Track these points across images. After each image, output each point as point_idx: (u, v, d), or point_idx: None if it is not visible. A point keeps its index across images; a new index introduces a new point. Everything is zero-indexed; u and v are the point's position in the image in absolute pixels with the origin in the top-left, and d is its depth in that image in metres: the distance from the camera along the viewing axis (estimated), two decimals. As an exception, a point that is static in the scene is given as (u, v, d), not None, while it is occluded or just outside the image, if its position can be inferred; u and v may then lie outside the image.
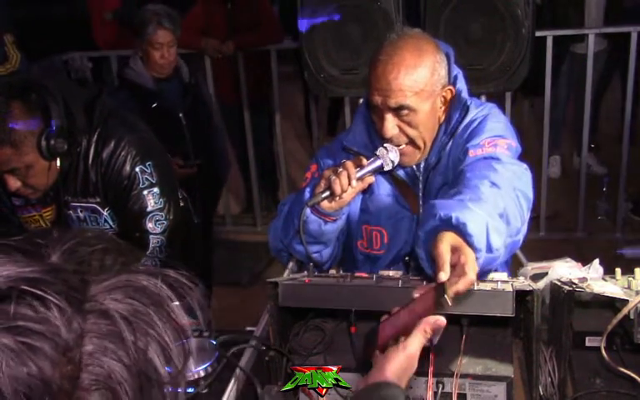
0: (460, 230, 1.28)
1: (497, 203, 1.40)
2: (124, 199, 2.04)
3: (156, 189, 2.06)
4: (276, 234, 1.83)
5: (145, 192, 2.05)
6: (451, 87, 1.71)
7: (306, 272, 1.60)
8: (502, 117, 1.76)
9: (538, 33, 3.20)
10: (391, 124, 1.66)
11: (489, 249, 1.32)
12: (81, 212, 2.05)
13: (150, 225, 2.05)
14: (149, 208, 2.05)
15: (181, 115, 3.21)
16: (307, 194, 1.68)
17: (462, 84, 1.75)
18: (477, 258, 1.27)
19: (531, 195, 1.55)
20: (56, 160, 1.94)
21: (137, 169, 2.03)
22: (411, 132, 1.68)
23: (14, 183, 1.92)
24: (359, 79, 2.81)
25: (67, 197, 2.05)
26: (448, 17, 2.71)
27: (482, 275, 1.38)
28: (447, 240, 1.26)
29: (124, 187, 2.03)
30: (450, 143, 1.73)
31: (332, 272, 1.62)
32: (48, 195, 2.05)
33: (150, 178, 2.05)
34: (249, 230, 4.96)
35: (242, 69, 4.47)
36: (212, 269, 3.44)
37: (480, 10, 2.67)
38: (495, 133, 1.66)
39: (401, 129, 1.67)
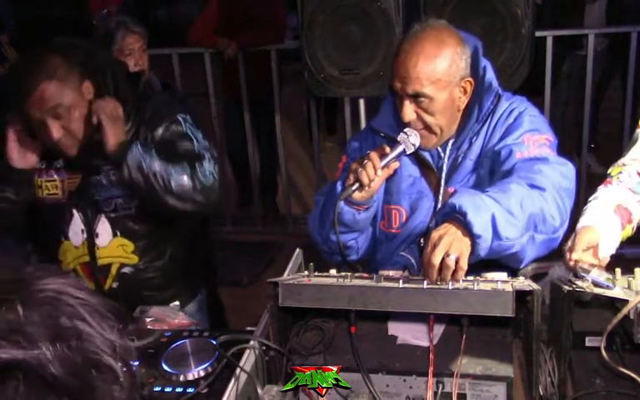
0: (462, 217, 1.43)
1: (531, 202, 1.51)
2: (171, 147, 1.99)
3: (199, 133, 2.04)
4: (314, 227, 1.92)
5: (190, 132, 2.02)
6: (470, 79, 1.77)
7: (306, 272, 1.61)
8: (535, 111, 1.83)
9: (538, 33, 3.20)
10: (409, 109, 1.74)
11: (497, 237, 1.45)
12: (113, 174, 2.01)
13: (201, 153, 2.00)
14: (196, 147, 2.01)
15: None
16: (338, 188, 1.78)
17: (491, 74, 1.80)
18: (477, 244, 1.43)
19: (574, 190, 1.66)
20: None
21: (179, 117, 2.02)
22: (427, 118, 1.75)
23: (57, 131, 1.90)
24: (359, 79, 2.81)
25: (99, 162, 2.02)
26: (448, 17, 2.70)
27: (506, 261, 1.56)
28: (438, 232, 1.45)
29: (169, 135, 2.01)
30: (484, 130, 1.80)
31: (333, 271, 1.63)
32: (79, 160, 2.02)
33: (192, 127, 2.04)
34: (249, 230, 4.96)
35: (243, 68, 4.48)
36: (212, 272, 3.42)
37: (480, 10, 2.67)
38: (533, 127, 1.74)
39: (418, 115, 1.75)
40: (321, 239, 1.89)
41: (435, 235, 1.44)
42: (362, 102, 3.25)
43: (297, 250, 1.88)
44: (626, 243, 1.64)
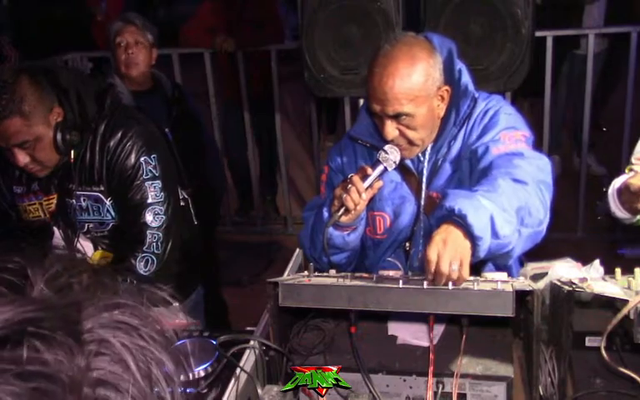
0: (461, 220, 1.42)
1: (517, 196, 1.51)
2: (126, 188, 2.04)
3: (158, 182, 2.07)
4: (306, 246, 1.92)
5: (147, 184, 2.05)
6: (447, 87, 1.76)
7: (306, 272, 1.61)
8: (511, 109, 1.83)
9: (538, 33, 3.20)
10: (391, 128, 1.73)
11: (495, 236, 1.44)
12: (84, 200, 2.05)
13: (149, 217, 2.05)
14: (150, 200, 2.05)
15: (167, 130, 2.83)
16: (325, 214, 1.79)
17: (466, 77, 1.80)
18: (478, 245, 1.42)
19: (551, 184, 1.66)
20: (70, 152, 1.96)
21: (142, 160, 2.04)
22: (410, 133, 1.75)
23: (23, 158, 1.91)
24: (359, 79, 2.80)
25: (71, 186, 2.05)
26: (448, 17, 2.70)
27: (496, 258, 1.56)
28: (440, 237, 1.42)
29: (128, 176, 2.03)
30: (461, 133, 1.80)
31: (332, 272, 1.63)
32: (52, 183, 2.06)
33: (153, 171, 2.06)
34: (249, 230, 4.97)
35: (242, 68, 4.48)
36: (215, 272, 3.43)
37: (480, 10, 2.67)
38: (509, 125, 1.74)
39: (400, 132, 1.74)
40: (313, 260, 1.89)
41: (438, 239, 1.42)
42: (362, 102, 3.25)
43: (297, 250, 1.88)
44: (626, 243, 1.66)
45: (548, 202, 1.61)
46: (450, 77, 1.77)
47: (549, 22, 4.32)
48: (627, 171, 1.83)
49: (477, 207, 1.44)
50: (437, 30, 2.69)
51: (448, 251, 1.39)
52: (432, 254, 1.40)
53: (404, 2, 2.75)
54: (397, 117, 1.71)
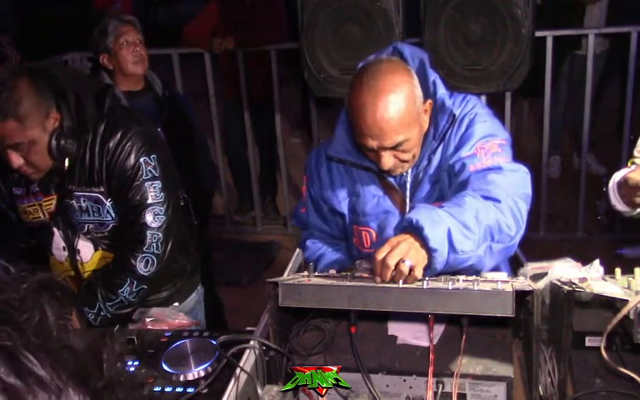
0: (419, 232, 1.46)
1: (487, 214, 1.53)
2: (126, 189, 2.03)
3: (158, 183, 2.06)
4: (310, 258, 1.93)
5: (147, 184, 2.04)
6: (430, 101, 1.76)
7: (306, 272, 1.61)
8: (486, 115, 1.81)
9: (538, 33, 3.20)
10: (388, 159, 1.72)
11: (454, 251, 1.48)
12: (84, 201, 2.05)
13: (149, 218, 2.05)
14: (150, 200, 2.04)
15: (159, 130, 2.75)
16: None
17: (442, 90, 1.79)
18: (434, 257, 1.45)
19: (530, 193, 1.67)
20: (64, 158, 1.96)
21: (142, 160, 2.03)
22: (405, 156, 1.75)
23: (17, 160, 1.91)
24: (359, 79, 2.81)
25: (71, 186, 2.04)
26: (448, 17, 2.71)
27: (455, 273, 1.54)
28: (396, 238, 1.47)
29: (127, 176, 2.03)
30: (440, 147, 1.80)
31: (332, 271, 1.63)
32: (52, 183, 2.06)
33: (153, 171, 2.05)
34: (249, 230, 4.97)
35: (242, 68, 4.49)
36: (211, 272, 3.43)
37: (480, 10, 2.67)
38: (485, 134, 1.74)
39: (396, 157, 1.74)
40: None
41: (394, 239, 1.47)
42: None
43: (297, 250, 1.88)
44: (626, 243, 1.66)
45: (525, 215, 1.63)
46: (426, 91, 1.77)
47: (549, 22, 4.33)
48: (629, 164, 1.84)
49: (436, 220, 1.47)
50: (437, 30, 2.70)
51: (401, 248, 1.42)
52: (384, 249, 1.43)
53: (404, 2, 2.76)
54: (395, 147, 1.70)
